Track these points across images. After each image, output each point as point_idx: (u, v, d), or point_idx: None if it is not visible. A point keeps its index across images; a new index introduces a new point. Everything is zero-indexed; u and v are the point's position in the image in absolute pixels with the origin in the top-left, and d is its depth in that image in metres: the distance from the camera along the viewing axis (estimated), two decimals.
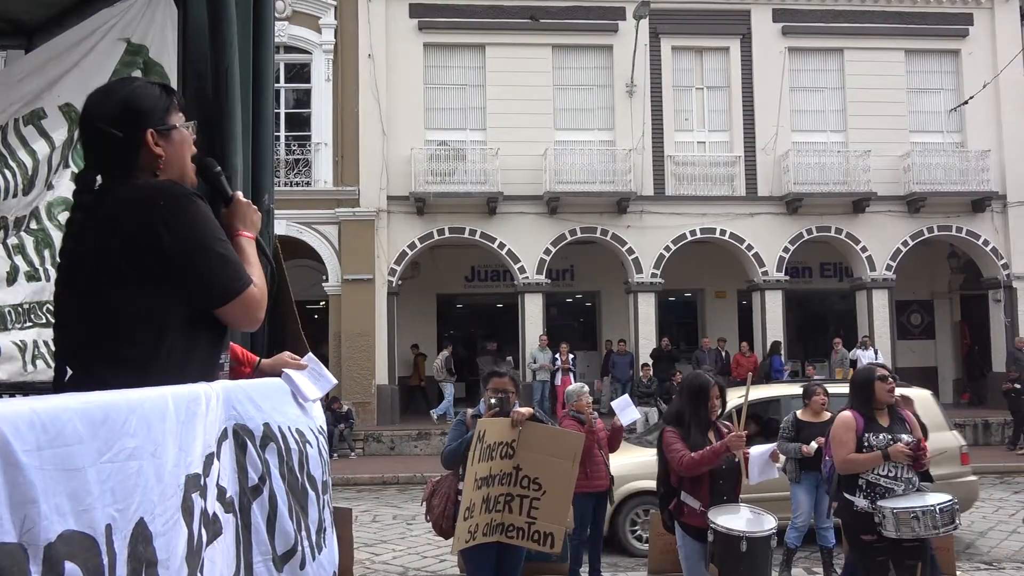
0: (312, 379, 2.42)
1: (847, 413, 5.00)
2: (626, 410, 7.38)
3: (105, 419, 1.32)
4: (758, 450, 4.81)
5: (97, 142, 2.00)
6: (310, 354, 2.54)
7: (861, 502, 4.79)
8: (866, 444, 4.85)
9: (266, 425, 2.00)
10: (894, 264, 19.57)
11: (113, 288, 1.87)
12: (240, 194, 2.27)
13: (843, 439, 4.92)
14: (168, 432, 1.50)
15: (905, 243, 19.61)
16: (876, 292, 19.47)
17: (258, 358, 2.55)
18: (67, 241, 1.99)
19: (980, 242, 19.73)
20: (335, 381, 2.54)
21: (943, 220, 19.66)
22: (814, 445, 7.23)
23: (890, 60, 19.92)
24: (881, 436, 4.84)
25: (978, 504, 9.77)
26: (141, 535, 1.37)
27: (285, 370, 2.35)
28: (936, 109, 20.18)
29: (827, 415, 7.51)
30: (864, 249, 19.50)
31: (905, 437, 4.86)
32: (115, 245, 1.86)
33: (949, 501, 4.68)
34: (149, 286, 1.88)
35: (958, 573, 7.39)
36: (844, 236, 19.54)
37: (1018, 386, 15.90)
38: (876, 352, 18.31)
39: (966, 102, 19.10)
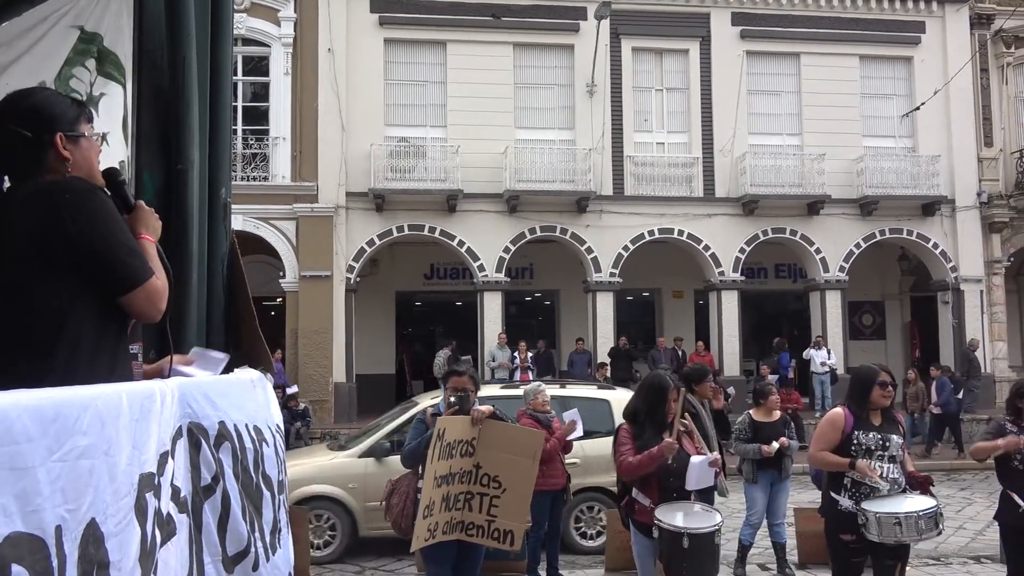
0: (202, 367, 2.41)
1: (838, 409, 5.02)
2: (575, 424, 7.27)
3: (56, 416, 1.28)
4: (698, 459, 4.83)
5: (7, 143, 2.10)
6: (195, 348, 2.56)
7: (846, 502, 4.77)
8: (855, 442, 4.80)
9: (221, 423, 1.97)
10: (847, 266, 19.92)
11: (20, 280, 1.92)
12: (142, 203, 2.35)
13: (825, 433, 4.94)
14: (122, 430, 1.46)
15: (858, 245, 19.97)
16: (829, 293, 19.81)
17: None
18: None
19: (930, 245, 20.18)
20: (224, 355, 2.54)
21: (894, 223, 20.06)
22: (775, 445, 7.31)
23: (845, 65, 20.27)
24: (871, 435, 4.81)
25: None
26: (93, 536, 1.33)
27: (176, 368, 2.35)
28: (889, 114, 20.58)
29: (778, 414, 7.63)
30: (818, 251, 19.83)
31: (895, 439, 4.85)
32: (21, 237, 1.93)
33: (932, 507, 4.65)
34: (55, 277, 1.94)
35: (908, 569, 7.54)
36: (799, 238, 19.84)
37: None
38: (829, 352, 18.65)
39: (917, 108, 19.53)
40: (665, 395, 4.89)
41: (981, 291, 20.15)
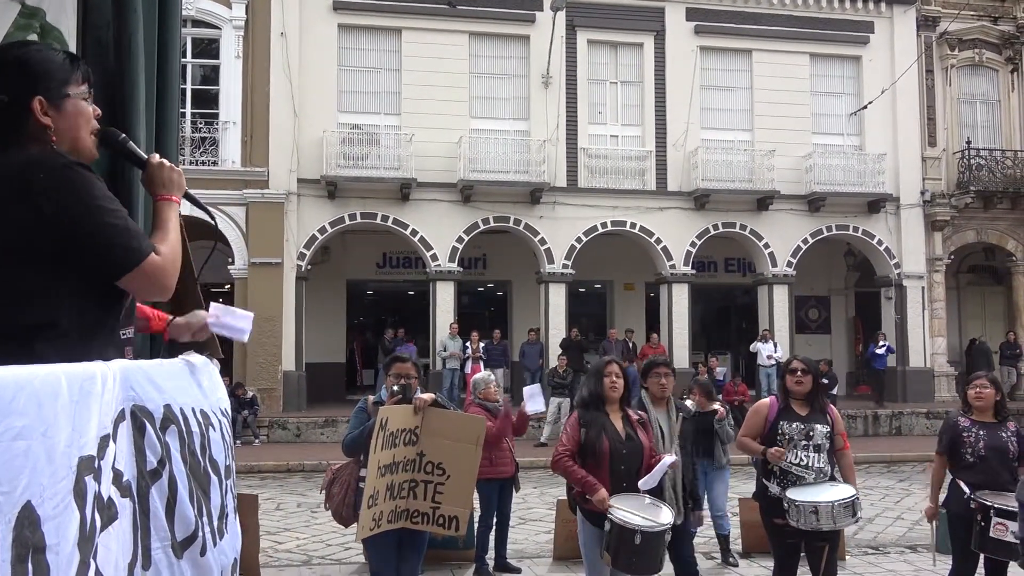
0: (232, 322, 2.39)
1: (766, 399, 5.33)
2: (534, 398, 7.36)
3: None
4: (669, 460, 4.85)
5: None
6: (213, 304, 2.48)
7: (774, 488, 5.01)
8: (780, 431, 5.06)
9: (167, 407, 1.93)
10: (794, 261, 20.29)
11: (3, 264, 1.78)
12: (156, 156, 2.17)
13: (748, 420, 5.23)
14: (60, 411, 1.43)
15: (805, 241, 20.35)
16: (777, 287, 20.16)
17: (171, 316, 2.47)
18: None
19: (875, 242, 20.64)
20: (251, 314, 2.49)
21: (841, 220, 20.47)
22: (690, 402, 7.39)
23: (795, 63, 20.59)
24: (795, 425, 5.02)
25: (866, 492, 10.24)
26: (28, 519, 1.30)
27: (212, 311, 2.31)
28: (837, 112, 20.97)
29: (716, 406, 7.68)
30: (767, 245, 20.15)
31: (820, 428, 5.03)
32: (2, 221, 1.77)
33: (850, 496, 4.86)
34: (36, 262, 1.79)
35: (847, 557, 7.74)
36: (748, 232, 20.14)
37: (827, 381, 16.39)
38: (775, 345, 18.99)
39: (865, 107, 19.94)
40: (602, 371, 4.94)
41: (923, 287, 20.69)
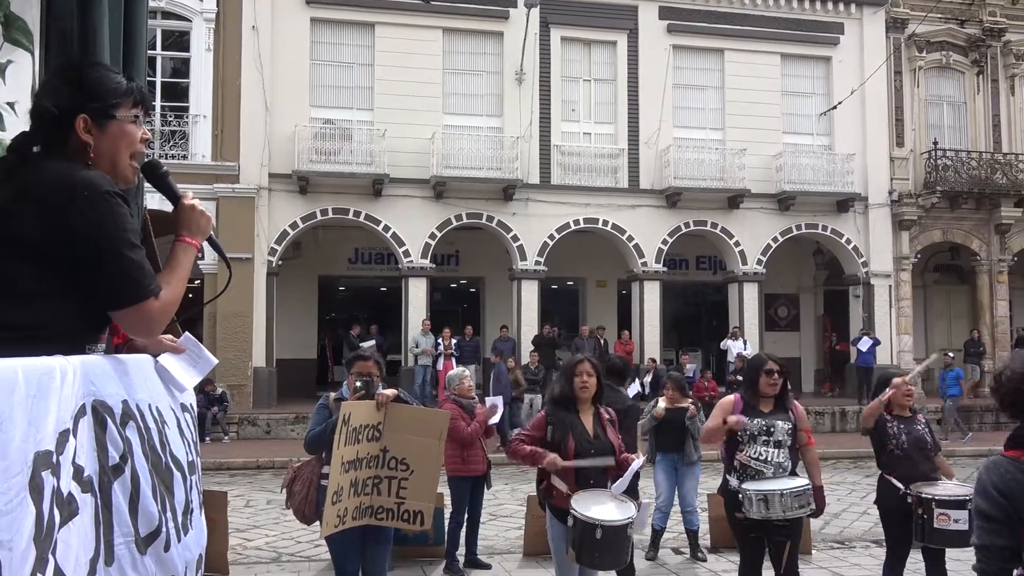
0: (189, 363, 2.32)
1: (731, 396, 5.42)
2: (495, 407, 7.39)
3: None
4: (639, 462, 4.89)
5: (39, 114, 1.98)
6: (187, 334, 2.42)
7: (733, 482, 5.10)
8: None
9: (124, 402, 1.92)
10: (764, 259, 20.47)
11: (9, 259, 1.82)
12: (190, 195, 2.22)
13: (714, 414, 5.32)
14: (16, 405, 1.41)
15: (775, 239, 20.54)
16: (747, 285, 20.33)
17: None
18: None
19: (843, 240, 20.88)
20: (215, 361, 2.45)
21: (810, 219, 20.68)
22: (662, 405, 7.55)
23: (767, 63, 20.76)
24: (756, 421, 5.09)
25: (832, 487, 10.36)
26: None
27: (159, 358, 2.24)
28: (808, 112, 21.18)
29: (687, 403, 7.79)
30: (737, 244, 20.31)
31: (781, 425, 5.11)
32: (24, 219, 1.82)
33: (802, 486, 4.96)
34: (45, 269, 1.84)
35: (813, 551, 7.83)
36: (719, 231, 20.29)
37: (740, 378, 16.61)
38: (745, 343, 19.15)
39: (835, 107, 20.17)
40: (573, 370, 4.95)
41: (890, 286, 20.97)
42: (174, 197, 2.20)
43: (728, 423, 5.12)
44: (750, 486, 4.95)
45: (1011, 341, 21.53)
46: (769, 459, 5.05)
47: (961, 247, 22.05)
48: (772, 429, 5.09)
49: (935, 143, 21.13)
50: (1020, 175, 21.34)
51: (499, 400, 7.56)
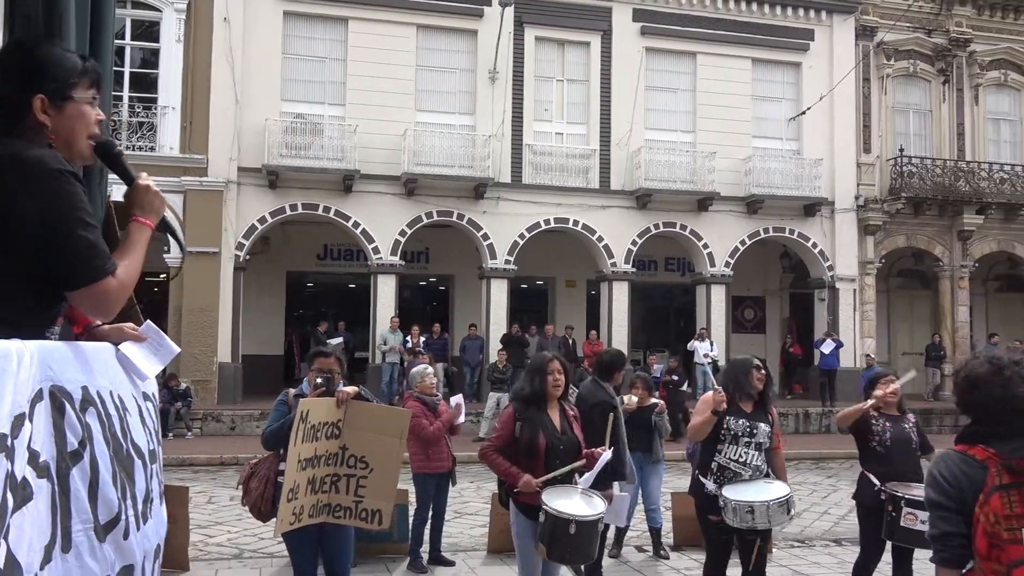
0: (150, 351, 2.30)
1: (710, 392, 5.38)
2: (459, 407, 7.40)
3: None
4: (606, 456, 4.91)
5: None
6: (149, 323, 2.41)
7: (710, 485, 5.10)
8: (724, 426, 5.14)
9: (84, 388, 1.90)
10: (732, 261, 20.66)
11: None
12: (144, 177, 2.19)
13: (700, 409, 5.29)
14: None
15: (743, 242, 20.74)
16: (714, 287, 20.51)
17: (94, 320, 2.41)
18: None
19: (810, 244, 21.14)
20: (177, 350, 2.43)
21: (778, 222, 20.91)
22: (634, 399, 7.57)
23: (738, 67, 20.95)
24: (740, 422, 5.14)
25: (794, 487, 10.46)
26: None
27: (121, 346, 2.22)
28: (777, 117, 21.41)
29: (654, 401, 7.88)
30: (706, 246, 20.48)
31: (763, 427, 5.16)
32: None
33: (786, 495, 5.00)
34: (1, 250, 1.82)
35: (774, 550, 7.92)
36: (688, 232, 20.44)
37: (675, 378, 16.82)
38: (712, 344, 19.32)
39: (804, 112, 20.41)
40: (544, 369, 4.95)
41: (855, 290, 21.27)
42: (128, 178, 2.18)
43: (714, 401, 5.08)
44: (732, 495, 4.96)
45: (970, 345, 21.92)
46: (748, 461, 5.09)
47: (924, 253, 22.42)
48: (755, 431, 5.13)
49: (901, 150, 21.46)
50: (983, 183, 21.76)
51: (460, 398, 7.56)
